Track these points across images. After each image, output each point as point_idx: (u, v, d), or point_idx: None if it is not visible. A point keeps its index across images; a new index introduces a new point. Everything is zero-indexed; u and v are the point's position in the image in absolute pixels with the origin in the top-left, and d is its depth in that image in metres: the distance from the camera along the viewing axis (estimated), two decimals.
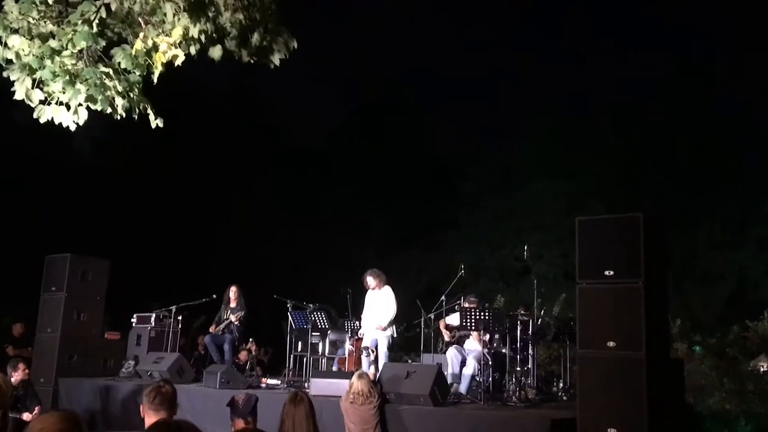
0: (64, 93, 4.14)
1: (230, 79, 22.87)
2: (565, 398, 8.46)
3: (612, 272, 6.14)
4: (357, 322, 9.69)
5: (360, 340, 9.83)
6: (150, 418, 3.53)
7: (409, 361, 11.16)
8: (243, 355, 11.49)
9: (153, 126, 4.50)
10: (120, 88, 4.26)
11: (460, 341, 8.82)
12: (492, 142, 24.95)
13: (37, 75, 4.10)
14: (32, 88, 4.13)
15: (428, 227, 24.17)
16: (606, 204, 19.07)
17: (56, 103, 4.19)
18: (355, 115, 28.03)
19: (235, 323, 9.99)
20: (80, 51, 4.15)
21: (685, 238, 19.54)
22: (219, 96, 25.33)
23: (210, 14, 4.25)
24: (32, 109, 4.18)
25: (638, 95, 22.62)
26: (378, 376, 7.58)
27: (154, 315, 10.77)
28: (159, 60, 4.18)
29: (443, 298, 9.16)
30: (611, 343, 6.01)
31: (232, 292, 10.26)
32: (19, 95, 4.11)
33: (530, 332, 8.59)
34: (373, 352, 8.58)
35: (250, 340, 12.00)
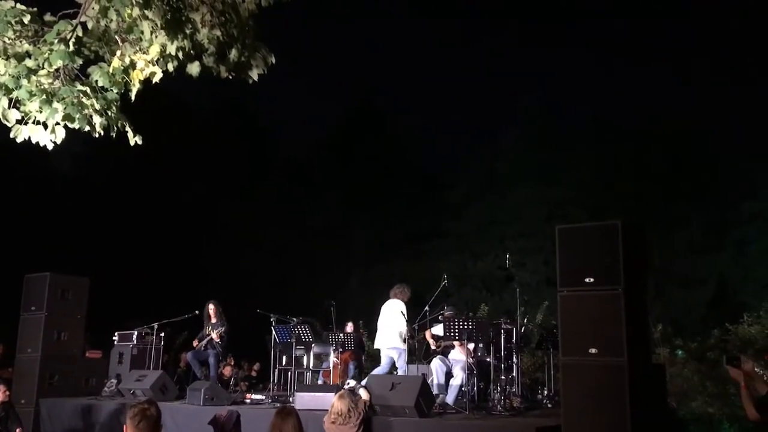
0: (41, 112, 4.11)
1: (214, 93, 22.91)
2: (550, 406, 8.48)
3: (592, 279, 6.19)
4: (341, 335, 9.68)
5: (345, 352, 9.81)
6: None
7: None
8: (227, 371, 11.38)
9: (132, 143, 4.49)
10: (98, 107, 4.24)
11: (445, 351, 8.82)
12: (474, 150, 25.14)
13: (14, 95, 4.07)
14: (9, 107, 4.10)
15: (411, 237, 24.21)
16: (588, 210, 19.24)
17: (33, 123, 4.16)
18: (339, 126, 28.14)
19: (216, 340, 9.93)
20: (57, 70, 4.13)
21: (665, 243, 19.73)
22: (203, 110, 25.34)
23: (187, 31, 4.25)
24: (9, 129, 4.16)
25: (619, 103, 22.94)
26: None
27: (135, 332, 10.66)
28: (136, 77, 4.18)
29: (427, 308, 9.16)
30: (593, 350, 6.06)
31: (210, 308, 10.21)
32: None
33: (514, 340, 8.62)
34: None
35: (229, 355, 11.87)
